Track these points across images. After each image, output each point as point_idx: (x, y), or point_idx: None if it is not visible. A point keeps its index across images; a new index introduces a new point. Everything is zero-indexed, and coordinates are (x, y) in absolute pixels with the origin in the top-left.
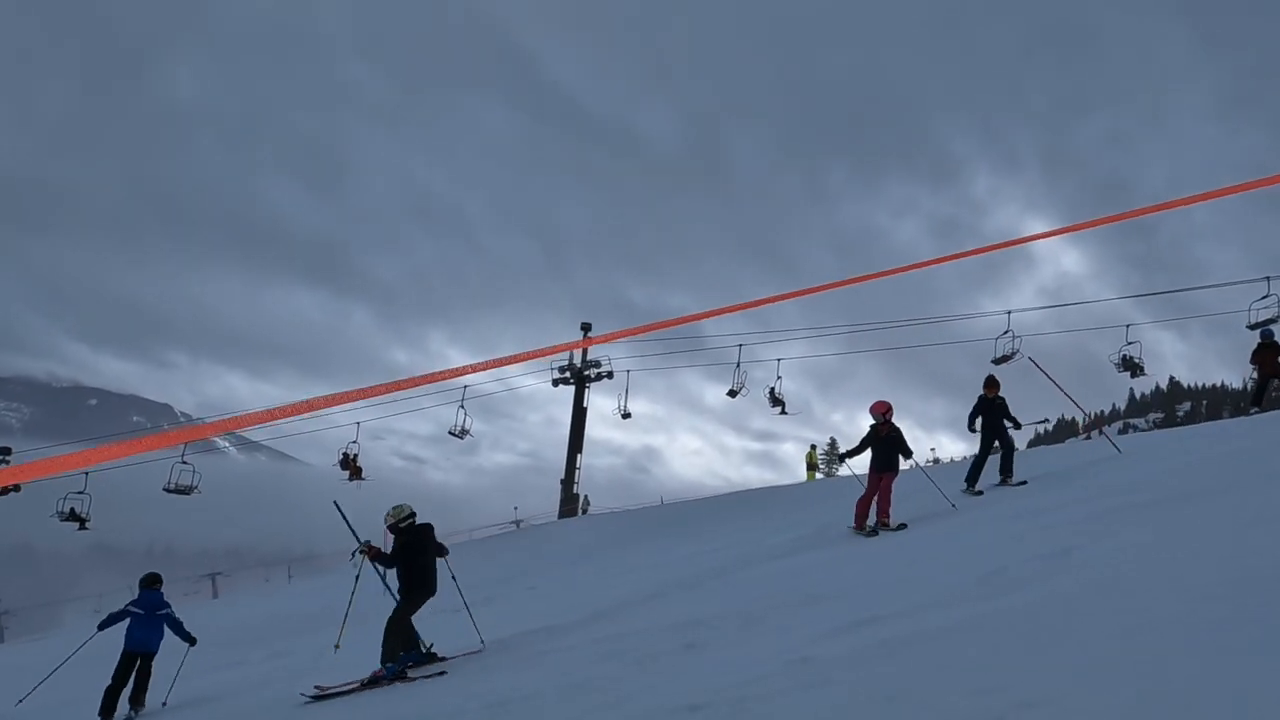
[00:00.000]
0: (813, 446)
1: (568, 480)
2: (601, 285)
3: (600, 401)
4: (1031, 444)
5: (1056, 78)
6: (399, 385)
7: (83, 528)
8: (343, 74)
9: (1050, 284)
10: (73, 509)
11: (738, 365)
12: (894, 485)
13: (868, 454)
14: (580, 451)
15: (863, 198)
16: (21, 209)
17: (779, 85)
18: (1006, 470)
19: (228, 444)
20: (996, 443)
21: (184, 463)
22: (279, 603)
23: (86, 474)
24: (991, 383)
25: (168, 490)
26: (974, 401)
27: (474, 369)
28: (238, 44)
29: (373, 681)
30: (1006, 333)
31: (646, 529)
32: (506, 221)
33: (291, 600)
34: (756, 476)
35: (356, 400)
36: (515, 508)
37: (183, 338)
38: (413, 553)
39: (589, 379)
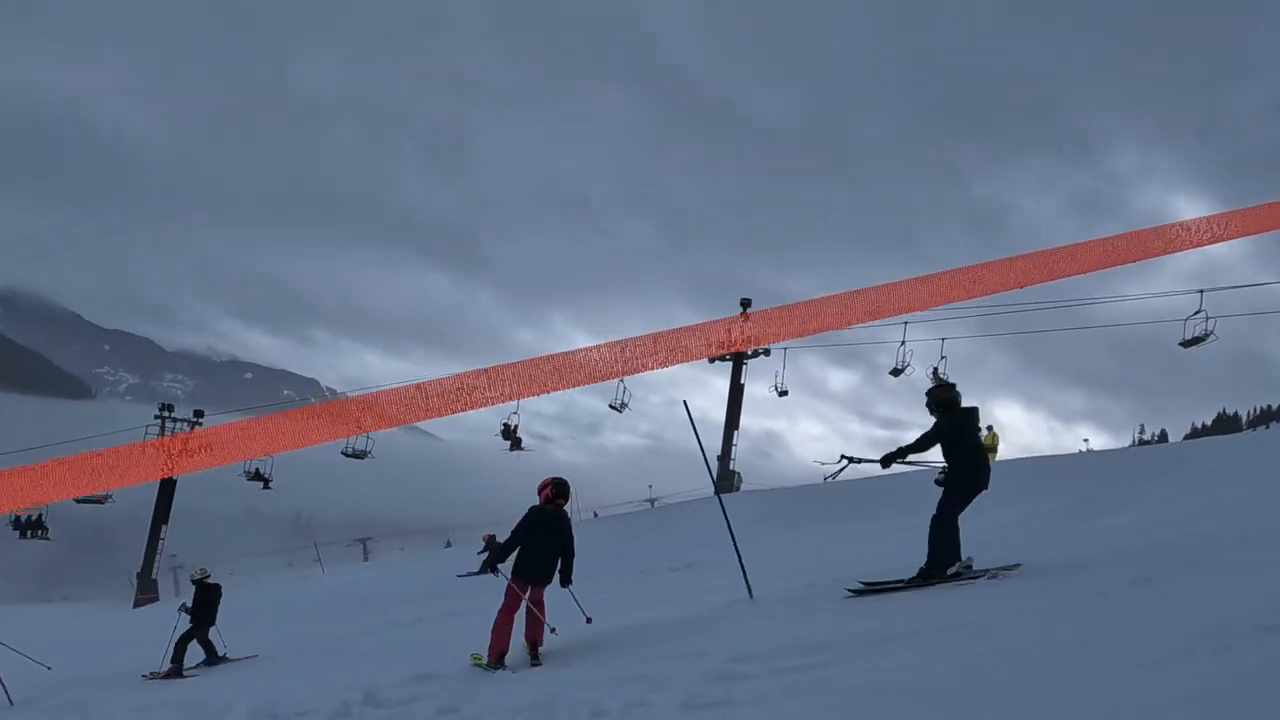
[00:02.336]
0: (989, 428)
1: (724, 456)
2: (723, 267)
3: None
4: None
5: (1210, 40)
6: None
7: (266, 487)
8: (469, 62)
9: (1194, 267)
10: (258, 469)
11: (902, 343)
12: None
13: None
14: (737, 428)
15: (995, 175)
16: (180, 196)
17: (904, 61)
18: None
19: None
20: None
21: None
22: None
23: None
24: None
25: (345, 454)
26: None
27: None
28: (371, 36)
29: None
30: (1199, 312)
31: (812, 507)
32: (628, 204)
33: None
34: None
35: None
36: (650, 486)
37: (325, 316)
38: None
39: (746, 356)
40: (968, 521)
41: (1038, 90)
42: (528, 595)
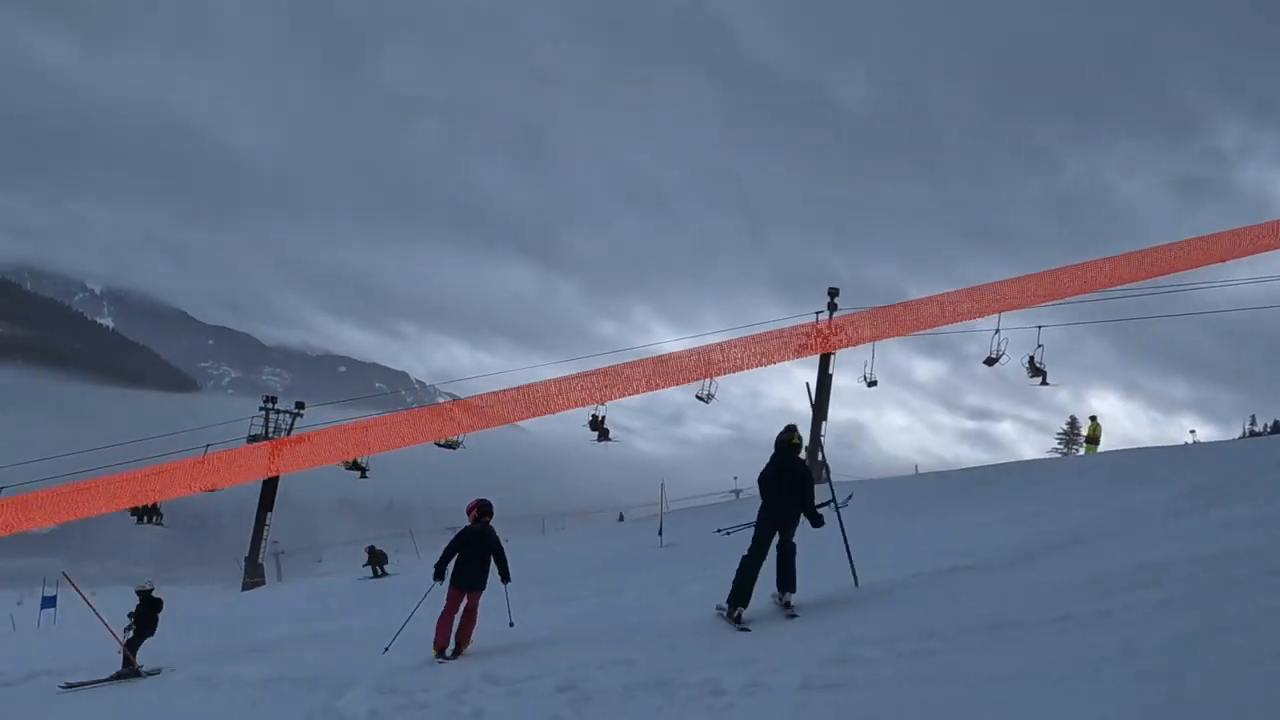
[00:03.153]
0: (1092, 418)
1: (812, 448)
2: (802, 257)
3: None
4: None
5: None
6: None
7: (364, 476)
8: (546, 55)
9: None
10: (356, 459)
11: (996, 331)
12: None
13: None
14: (825, 419)
15: (1085, 156)
16: (273, 195)
17: (986, 40)
18: (785, 582)
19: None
20: (778, 535)
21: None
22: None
23: (366, 429)
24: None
25: (439, 445)
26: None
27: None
28: (451, 32)
29: None
30: None
31: (901, 498)
32: (706, 194)
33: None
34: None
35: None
36: (735, 478)
37: (412, 310)
38: None
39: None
40: (1081, 510)
41: (1132, 65)
42: (465, 600)
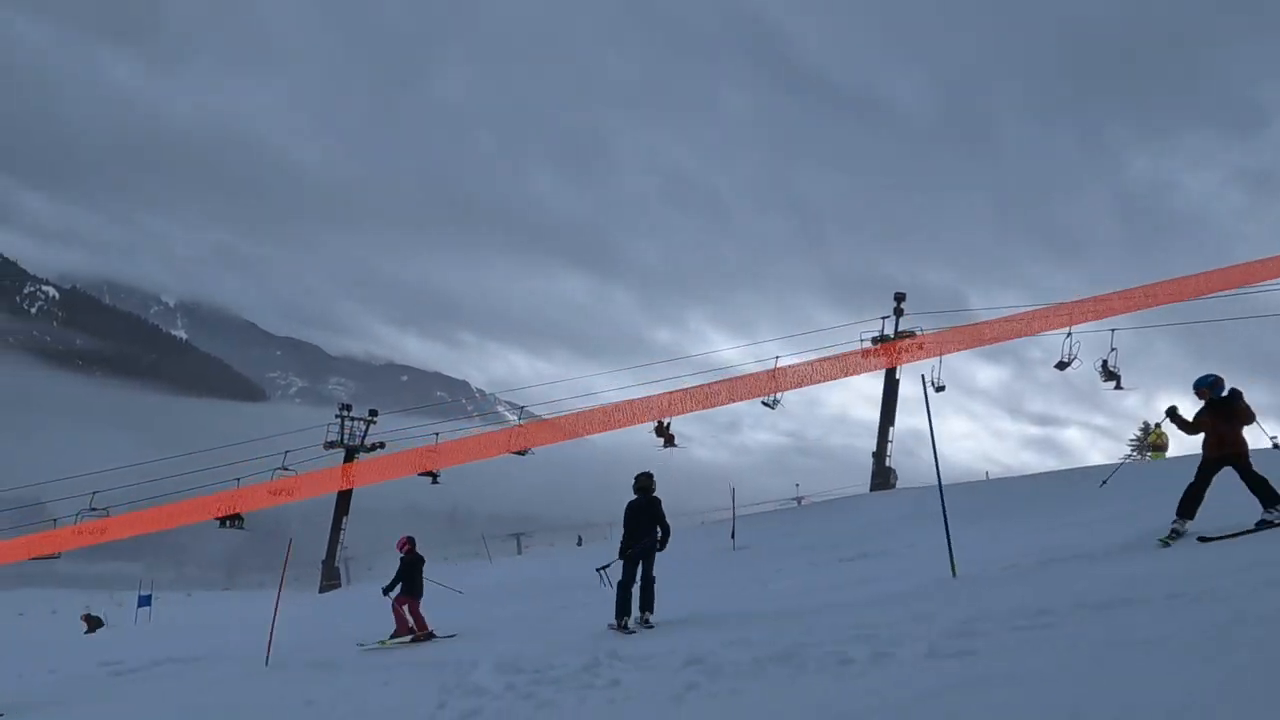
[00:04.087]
0: (1157, 425)
1: (880, 453)
2: (857, 261)
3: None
4: None
5: None
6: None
7: (435, 482)
8: (597, 64)
9: None
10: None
11: (1068, 334)
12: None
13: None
14: (892, 424)
15: (1149, 152)
16: (335, 208)
17: (1043, 36)
18: (646, 603)
19: (516, 418)
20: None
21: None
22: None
23: (437, 435)
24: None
25: (509, 450)
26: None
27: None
28: (502, 45)
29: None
30: None
31: (972, 504)
32: (760, 200)
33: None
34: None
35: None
36: (797, 485)
37: (471, 319)
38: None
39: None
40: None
41: (1197, 58)
42: (406, 606)
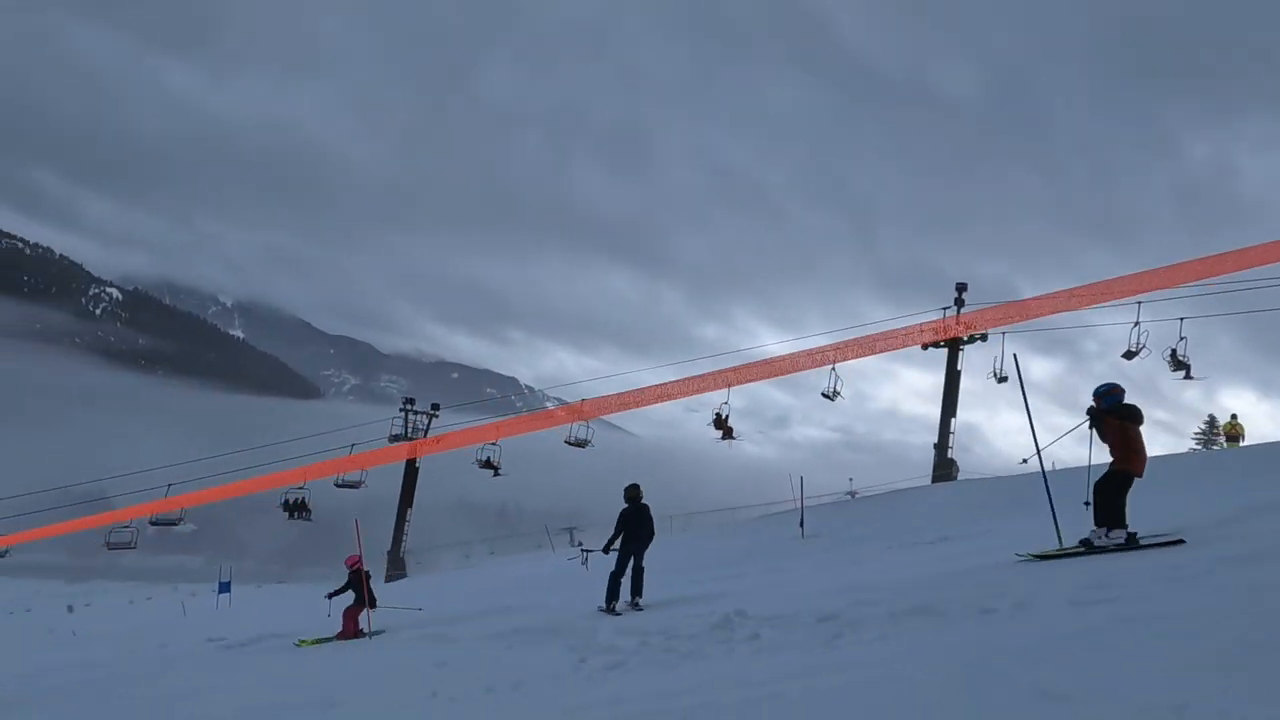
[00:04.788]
0: (1232, 416)
1: (941, 444)
2: (906, 253)
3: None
4: None
5: None
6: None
7: (496, 474)
8: (642, 61)
9: None
10: (488, 458)
11: (1136, 324)
12: None
13: None
14: (954, 415)
15: (1211, 136)
16: (386, 209)
17: (1096, 17)
18: (637, 589)
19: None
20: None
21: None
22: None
23: (497, 428)
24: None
25: (568, 443)
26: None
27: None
28: (547, 44)
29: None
30: None
31: (1035, 496)
32: (807, 193)
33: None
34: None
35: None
36: (850, 479)
37: (519, 317)
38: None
39: (962, 342)
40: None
41: (1261, 36)
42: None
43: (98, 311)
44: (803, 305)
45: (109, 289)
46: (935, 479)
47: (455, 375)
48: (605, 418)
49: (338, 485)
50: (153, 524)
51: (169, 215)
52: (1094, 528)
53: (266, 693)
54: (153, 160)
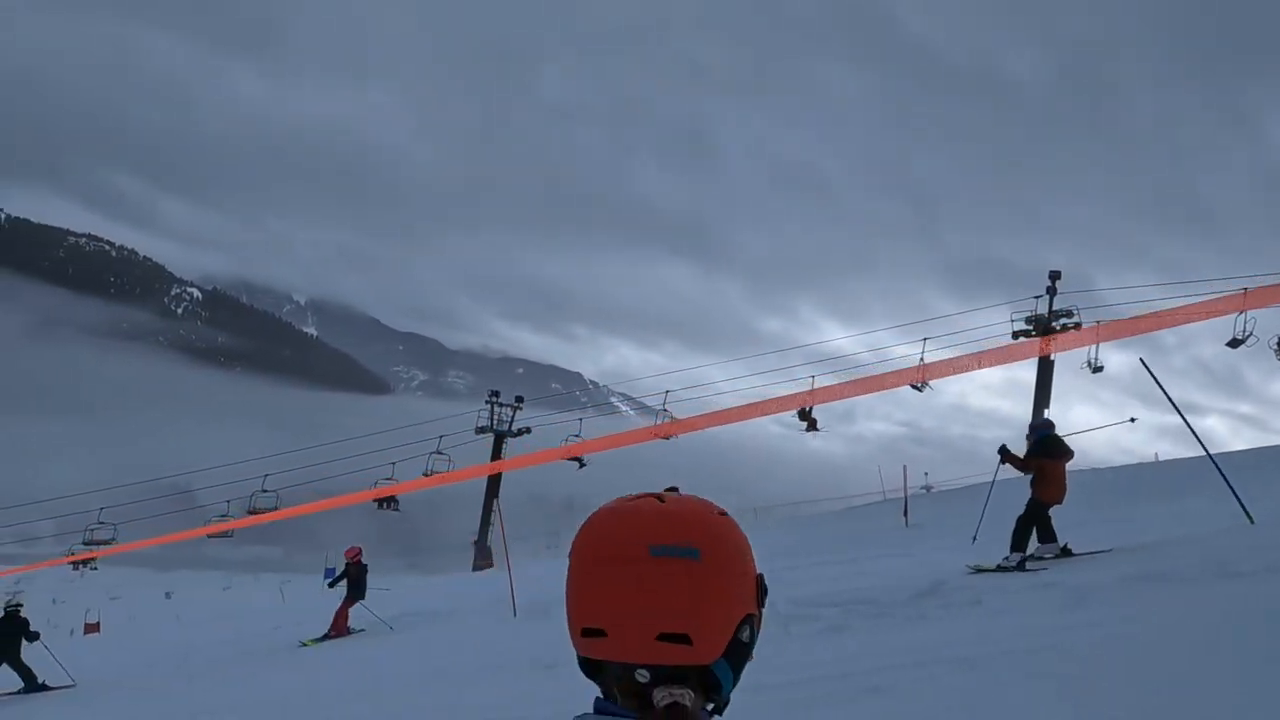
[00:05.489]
0: None
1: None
2: (973, 244)
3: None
4: None
5: None
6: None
7: (581, 467)
8: (700, 54)
9: None
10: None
11: (1241, 312)
12: None
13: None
14: (1047, 406)
15: None
16: (449, 207)
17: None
18: None
19: (628, 409)
20: None
21: (667, 407)
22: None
23: (580, 420)
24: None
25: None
26: None
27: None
28: (606, 40)
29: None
30: None
31: (1135, 486)
32: (870, 184)
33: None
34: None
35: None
36: (925, 474)
37: (582, 313)
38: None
39: (1055, 330)
40: None
41: None
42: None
43: (179, 311)
44: (866, 297)
45: (190, 289)
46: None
47: (521, 371)
48: (671, 410)
49: (426, 476)
50: (250, 514)
51: (243, 216)
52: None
53: (426, 660)
54: (227, 163)
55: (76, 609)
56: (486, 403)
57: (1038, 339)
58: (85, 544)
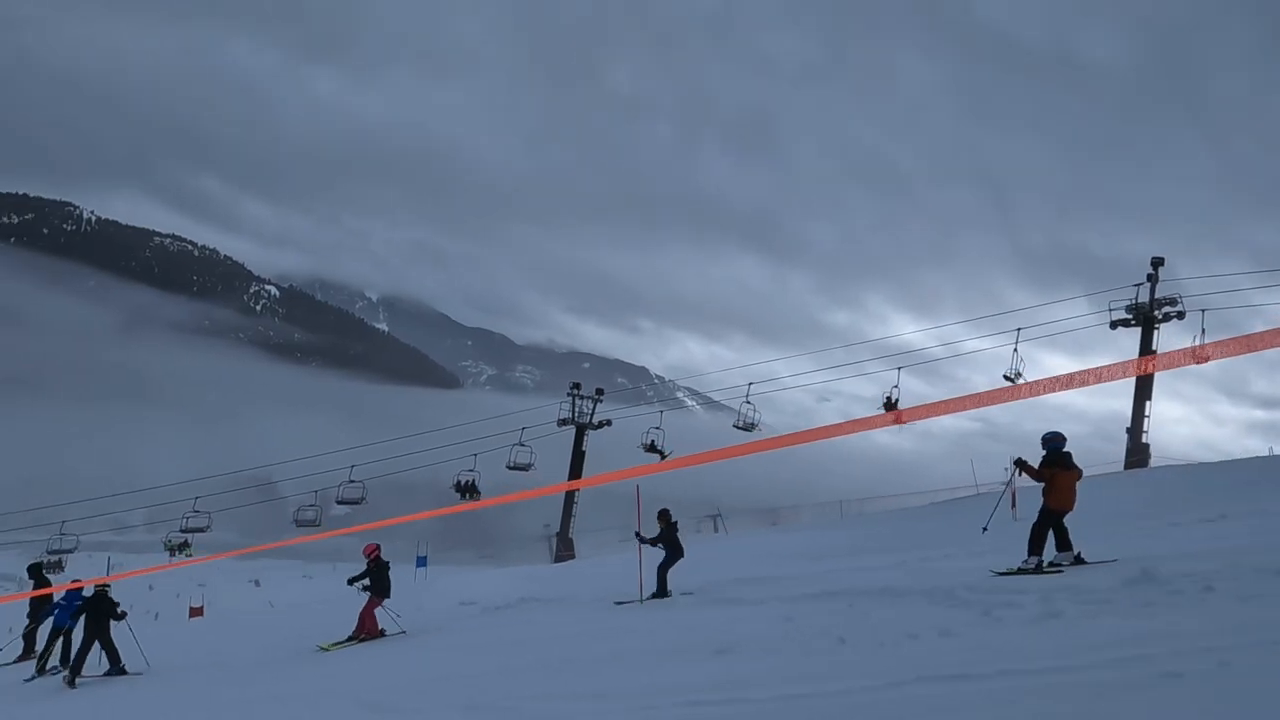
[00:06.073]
0: None
1: (1135, 429)
2: (1051, 232)
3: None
4: None
5: None
6: None
7: (663, 458)
8: (767, 44)
9: None
10: (653, 441)
11: None
12: None
13: None
14: (1149, 398)
15: None
16: (518, 203)
17: None
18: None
19: (695, 404)
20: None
21: (747, 402)
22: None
23: (661, 413)
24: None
25: (736, 427)
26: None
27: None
28: (672, 32)
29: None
30: None
31: (1242, 484)
32: (945, 173)
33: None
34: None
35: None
36: (1006, 469)
37: (648, 306)
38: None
39: (1158, 320)
40: None
41: None
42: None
43: (258, 308)
44: (939, 289)
45: (268, 286)
46: (1128, 465)
47: (587, 365)
48: (728, 405)
49: (509, 468)
50: (339, 503)
51: (318, 215)
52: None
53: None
54: (302, 163)
55: (167, 594)
56: (568, 395)
57: (1187, 348)
58: (182, 531)
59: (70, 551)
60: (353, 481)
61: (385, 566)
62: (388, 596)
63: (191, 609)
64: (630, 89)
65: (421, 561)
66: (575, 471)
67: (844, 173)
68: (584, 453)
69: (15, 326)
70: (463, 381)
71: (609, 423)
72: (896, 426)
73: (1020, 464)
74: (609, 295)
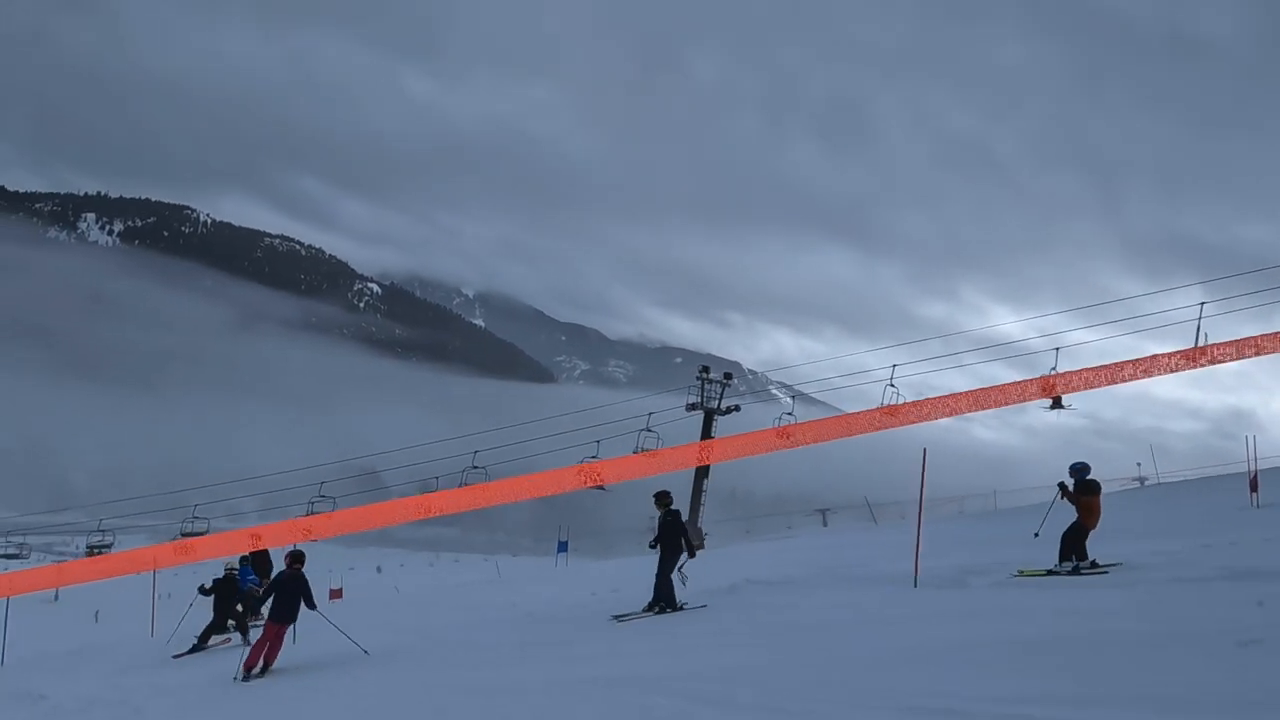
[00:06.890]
0: None
1: None
2: (1158, 218)
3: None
4: None
5: None
6: None
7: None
8: (857, 30)
9: None
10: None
11: None
12: None
13: None
14: None
15: None
16: (608, 198)
17: None
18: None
19: (788, 398)
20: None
21: (891, 385)
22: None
23: (794, 398)
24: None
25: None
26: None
27: None
28: (758, 22)
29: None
30: None
31: None
32: (1045, 159)
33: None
34: None
35: None
36: (1138, 464)
37: (737, 300)
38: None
39: None
40: None
41: None
42: (276, 630)
43: (361, 305)
44: (1038, 279)
45: (370, 284)
46: None
47: (679, 360)
48: (820, 399)
49: (636, 454)
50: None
51: (414, 213)
52: (1057, 562)
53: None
54: (398, 163)
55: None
56: (697, 379)
57: None
58: (308, 515)
59: (202, 534)
60: (476, 468)
61: (293, 580)
62: (285, 621)
63: (331, 591)
64: (717, 80)
65: (562, 547)
66: (702, 464)
67: (938, 161)
68: (713, 438)
69: (140, 323)
70: (557, 376)
71: (737, 408)
72: (1054, 411)
73: (1063, 490)
74: (698, 289)
